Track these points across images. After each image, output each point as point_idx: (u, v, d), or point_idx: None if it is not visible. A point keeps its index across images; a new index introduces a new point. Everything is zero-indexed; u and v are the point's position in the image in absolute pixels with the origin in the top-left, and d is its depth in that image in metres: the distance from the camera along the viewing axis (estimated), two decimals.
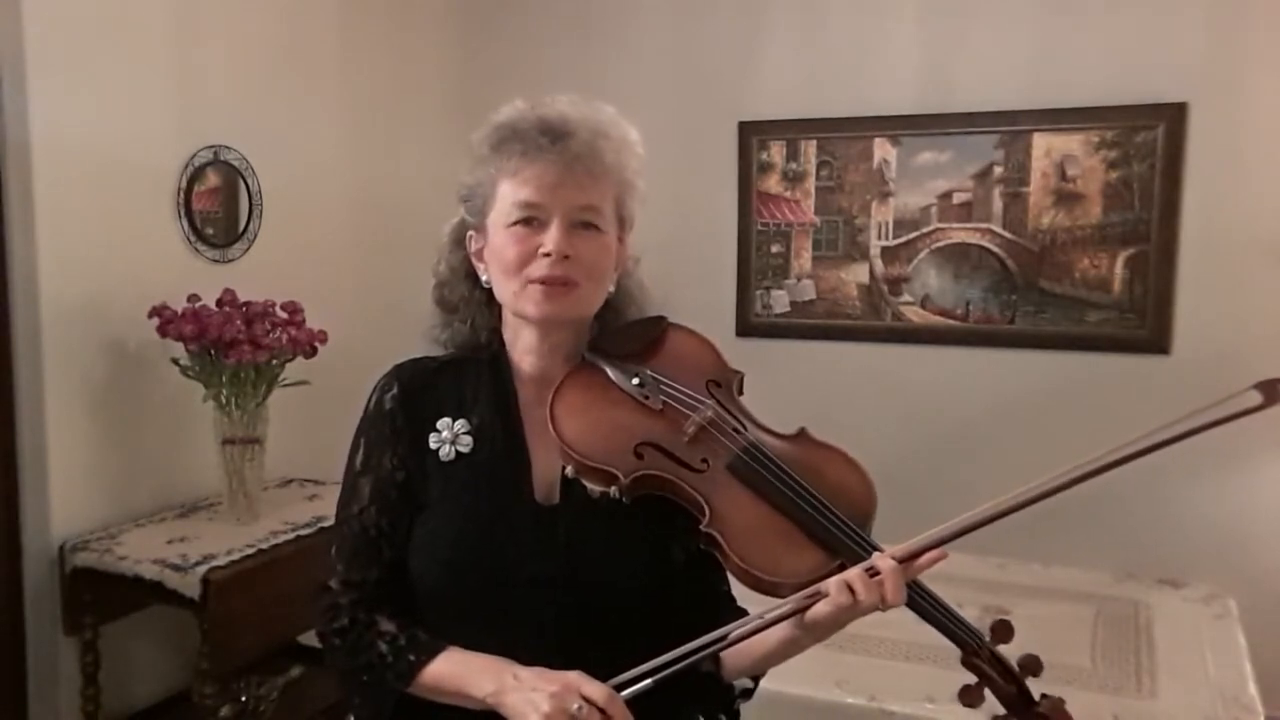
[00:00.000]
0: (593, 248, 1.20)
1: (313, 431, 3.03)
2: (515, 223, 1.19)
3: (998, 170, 3.44)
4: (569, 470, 1.17)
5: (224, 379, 2.64)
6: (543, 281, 1.17)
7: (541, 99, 1.23)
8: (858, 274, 3.65)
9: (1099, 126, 3.31)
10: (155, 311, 2.59)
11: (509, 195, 1.20)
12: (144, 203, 2.75)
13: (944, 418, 3.53)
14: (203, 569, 2.37)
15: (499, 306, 1.27)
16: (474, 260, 1.27)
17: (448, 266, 1.31)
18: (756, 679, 1.24)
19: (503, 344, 1.29)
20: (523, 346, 1.26)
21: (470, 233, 1.27)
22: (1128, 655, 2.41)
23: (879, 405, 3.59)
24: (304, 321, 2.76)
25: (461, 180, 1.27)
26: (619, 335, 1.27)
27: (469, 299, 1.30)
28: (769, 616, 1.09)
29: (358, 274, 3.47)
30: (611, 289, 1.26)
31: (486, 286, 1.26)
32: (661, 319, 1.30)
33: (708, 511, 1.10)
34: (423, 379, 1.28)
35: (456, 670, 1.15)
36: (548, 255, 1.17)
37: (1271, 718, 2.24)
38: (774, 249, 3.73)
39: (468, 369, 1.29)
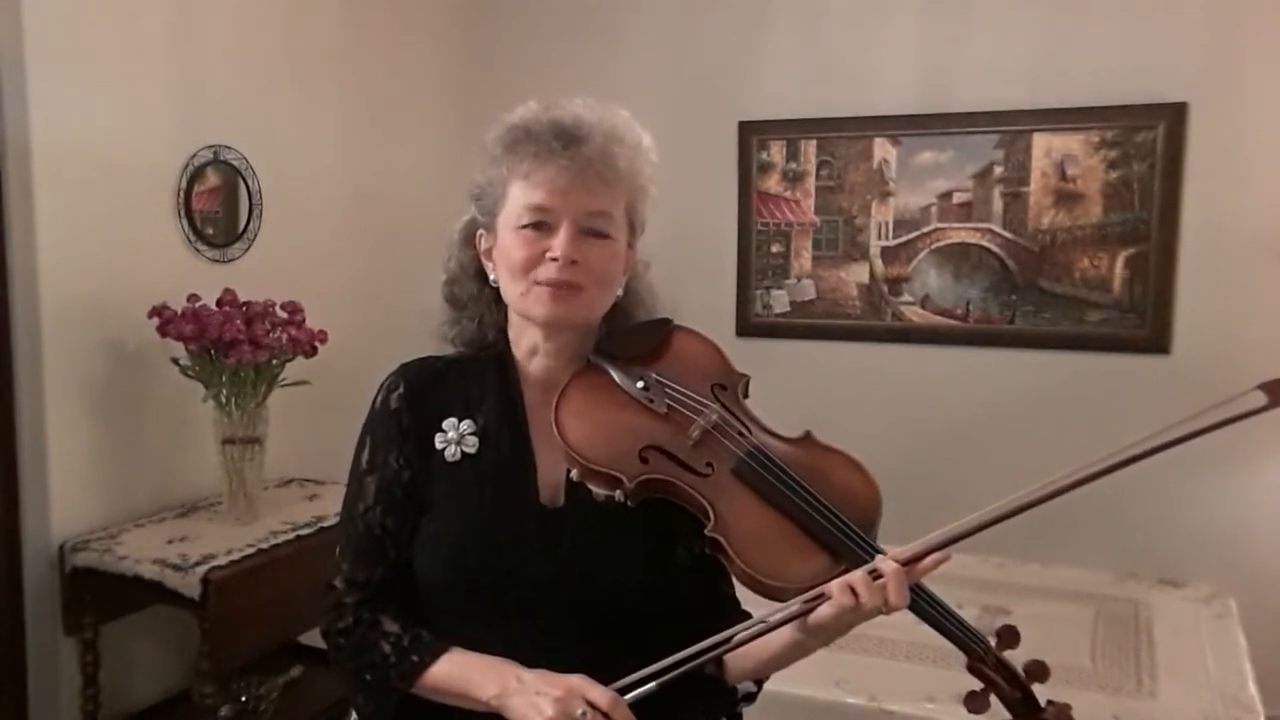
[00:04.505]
0: (601, 254, 1.19)
1: (313, 431, 3.04)
2: (525, 225, 1.18)
3: (998, 170, 3.44)
4: (574, 474, 1.17)
5: (224, 379, 2.63)
6: (549, 284, 1.17)
7: (556, 100, 1.22)
8: (858, 274, 3.65)
9: (1099, 126, 3.31)
10: (155, 311, 2.59)
11: (520, 198, 1.19)
12: (144, 203, 2.75)
13: (944, 418, 3.53)
14: (203, 569, 2.37)
15: (506, 305, 1.26)
16: (483, 259, 1.27)
17: (457, 263, 1.31)
18: (760, 683, 1.24)
19: (509, 344, 1.28)
20: (528, 347, 1.26)
21: (480, 231, 1.27)
22: (1128, 655, 2.41)
23: (879, 405, 3.59)
24: (304, 321, 2.75)
25: (473, 179, 1.26)
26: (624, 338, 1.26)
27: (477, 297, 1.30)
28: (772, 619, 1.09)
29: (358, 274, 3.47)
30: (620, 292, 1.25)
31: (494, 285, 1.25)
32: (667, 321, 1.30)
33: (712, 515, 1.10)
34: (429, 379, 1.28)
35: (459, 672, 1.16)
36: (555, 260, 1.16)
37: (1271, 718, 2.24)
38: (774, 249, 3.74)
39: (474, 369, 1.29)
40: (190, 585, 2.35)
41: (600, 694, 1.05)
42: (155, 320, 2.58)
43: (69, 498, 2.57)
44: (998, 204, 3.45)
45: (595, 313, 1.23)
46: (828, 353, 3.69)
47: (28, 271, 2.48)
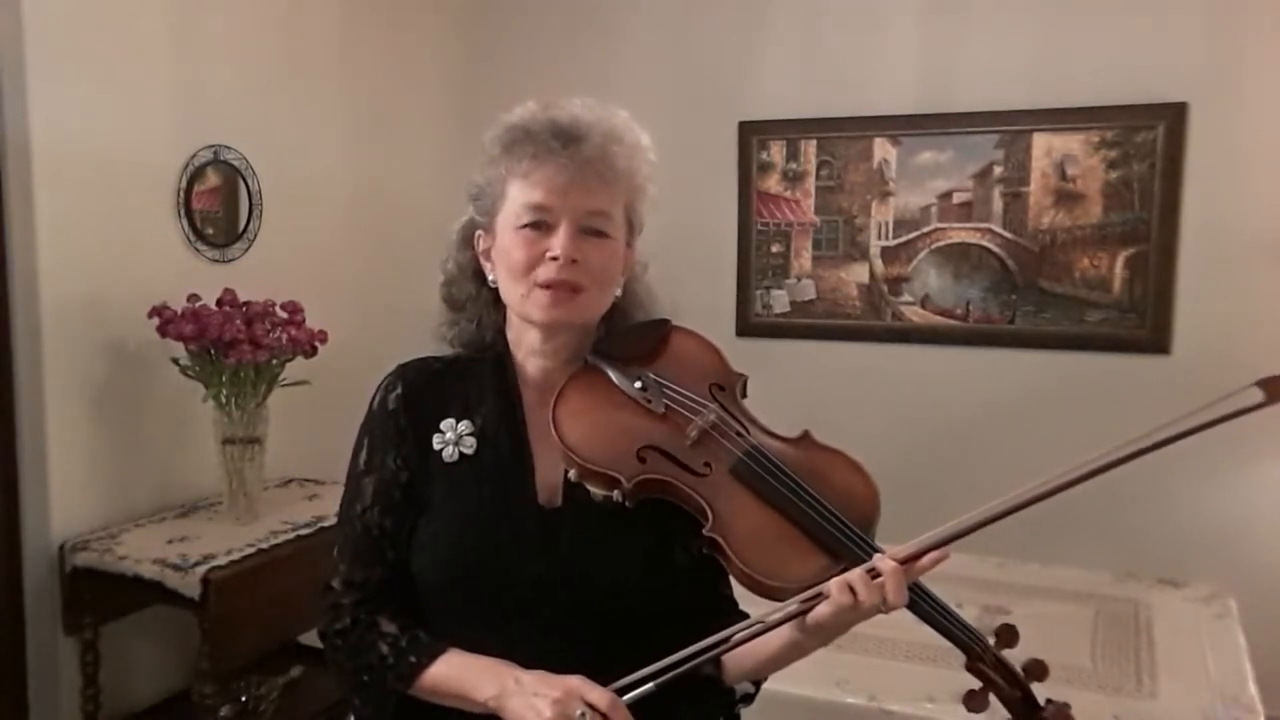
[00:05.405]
0: (601, 253, 1.19)
1: (313, 431, 3.03)
2: (524, 225, 1.18)
3: (998, 170, 3.44)
4: (571, 474, 1.17)
5: (224, 379, 2.64)
6: (549, 285, 1.17)
7: (555, 100, 1.22)
8: (858, 274, 3.65)
9: (1099, 126, 3.31)
10: (155, 311, 2.59)
11: (518, 197, 1.19)
12: (144, 203, 2.75)
13: (944, 418, 3.53)
14: (203, 569, 2.37)
15: (505, 306, 1.26)
16: (481, 260, 1.27)
17: (455, 264, 1.30)
18: (758, 684, 1.24)
19: (507, 344, 1.28)
20: (527, 348, 1.26)
21: (478, 232, 1.27)
22: (1128, 655, 2.41)
23: (879, 405, 3.59)
24: (304, 321, 2.75)
25: (471, 179, 1.26)
26: (622, 338, 1.26)
27: (476, 298, 1.29)
28: (771, 619, 1.09)
29: (358, 274, 3.47)
30: (618, 293, 1.25)
31: (493, 286, 1.25)
32: (665, 322, 1.29)
33: (710, 516, 1.10)
34: (427, 379, 1.28)
35: (457, 673, 1.15)
36: (555, 259, 1.16)
37: (1271, 718, 2.24)
38: (774, 249, 3.73)
39: (472, 370, 1.28)
40: (190, 585, 2.35)
41: (599, 695, 1.05)
42: (155, 320, 2.58)
43: (69, 498, 2.58)
44: (998, 204, 3.45)
45: (594, 313, 1.23)
46: (828, 353, 3.69)
47: (28, 271, 2.48)
